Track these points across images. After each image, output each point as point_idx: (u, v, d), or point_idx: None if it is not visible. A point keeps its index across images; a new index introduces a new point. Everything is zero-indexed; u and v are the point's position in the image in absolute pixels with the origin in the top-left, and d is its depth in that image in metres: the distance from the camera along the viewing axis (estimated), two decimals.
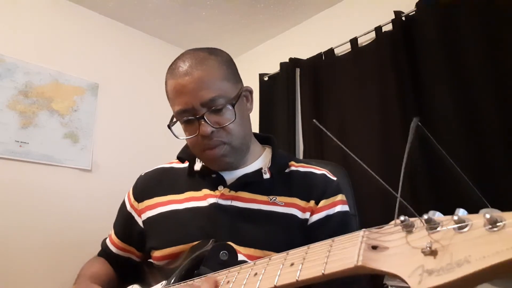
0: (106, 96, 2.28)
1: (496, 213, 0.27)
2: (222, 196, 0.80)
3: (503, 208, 0.29)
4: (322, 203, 0.80)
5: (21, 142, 1.91)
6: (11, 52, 1.95)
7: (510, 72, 1.43)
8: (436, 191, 1.52)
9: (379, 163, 1.73)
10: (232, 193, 0.80)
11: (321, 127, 0.36)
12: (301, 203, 0.80)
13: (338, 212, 0.81)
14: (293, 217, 0.78)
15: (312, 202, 0.80)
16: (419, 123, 0.33)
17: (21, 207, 1.87)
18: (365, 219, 1.23)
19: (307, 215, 0.79)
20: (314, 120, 0.39)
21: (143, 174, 0.96)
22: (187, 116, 0.76)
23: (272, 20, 2.42)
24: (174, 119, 0.81)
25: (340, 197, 0.84)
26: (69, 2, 2.23)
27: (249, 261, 0.72)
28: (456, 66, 1.57)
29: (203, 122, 0.74)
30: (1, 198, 1.82)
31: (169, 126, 0.81)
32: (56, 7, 2.18)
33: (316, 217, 0.79)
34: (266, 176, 0.82)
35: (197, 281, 0.59)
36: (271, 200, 0.79)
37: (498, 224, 0.27)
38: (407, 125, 1.68)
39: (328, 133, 0.35)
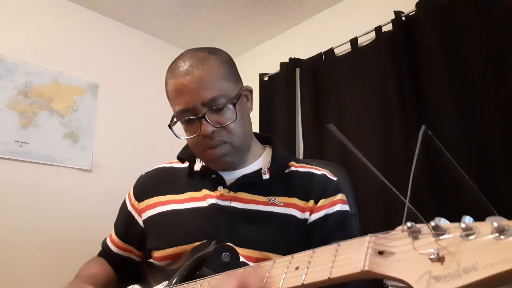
0: (106, 96, 2.28)
1: (503, 221, 0.28)
2: (221, 197, 0.80)
3: (504, 214, 0.30)
4: (321, 202, 0.80)
5: (21, 142, 1.91)
6: (11, 52, 1.95)
7: (510, 71, 1.43)
8: (439, 197, 1.51)
9: (379, 163, 1.73)
10: (232, 193, 0.80)
11: (337, 132, 0.36)
12: (300, 203, 0.80)
13: (338, 211, 0.81)
14: (292, 217, 0.78)
15: (311, 202, 0.80)
16: (429, 132, 0.33)
17: (21, 207, 1.87)
18: (365, 219, 1.23)
19: (306, 215, 0.79)
20: (331, 124, 0.39)
21: (143, 173, 0.95)
22: (188, 115, 0.76)
23: (272, 20, 2.42)
24: (175, 119, 0.80)
25: (339, 196, 0.83)
26: (69, 2, 2.23)
27: (248, 262, 0.71)
28: (456, 66, 1.57)
29: (204, 122, 0.74)
30: (1, 198, 1.81)
31: (170, 126, 0.81)
32: (56, 7, 2.17)
33: (315, 216, 0.79)
34: (266, 176, 0.82)
35: (241, 270, 0.50)
36: (270, 200, 0.79)
37: (505, 232, 0.27)
38: (407, 125, 1.68)
39: (345, 139, 0.35)
